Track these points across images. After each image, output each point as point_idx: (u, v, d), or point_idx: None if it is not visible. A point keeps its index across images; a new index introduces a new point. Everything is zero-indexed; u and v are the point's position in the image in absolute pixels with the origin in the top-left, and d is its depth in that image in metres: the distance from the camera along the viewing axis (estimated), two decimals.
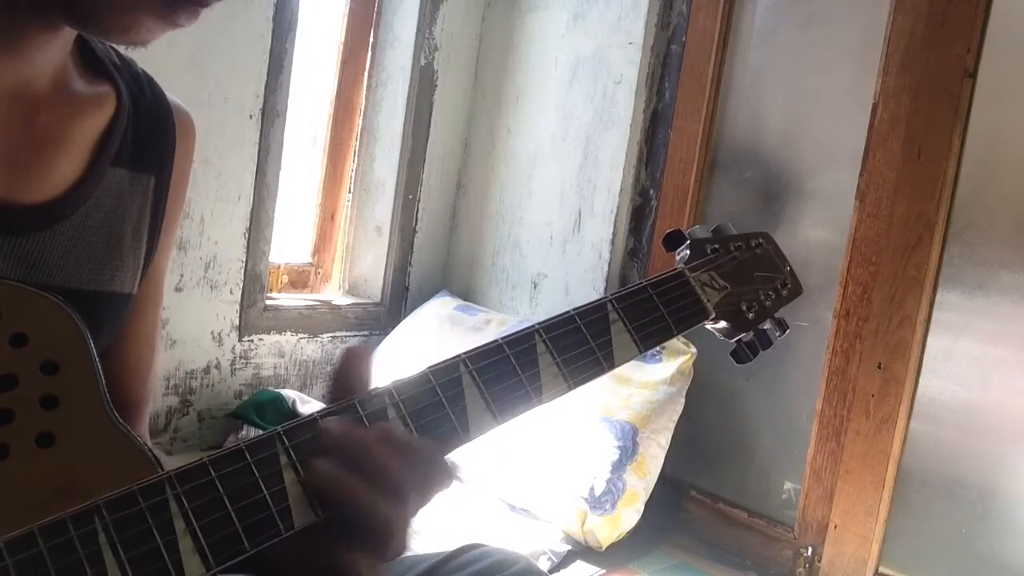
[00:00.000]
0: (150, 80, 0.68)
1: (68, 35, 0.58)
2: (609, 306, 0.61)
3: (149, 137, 0.66)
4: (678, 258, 0.71)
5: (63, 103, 0.59)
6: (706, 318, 0.67)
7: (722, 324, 0.70)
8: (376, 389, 0.52)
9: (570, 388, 0.58)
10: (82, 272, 0.60)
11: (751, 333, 0.71)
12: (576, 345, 0.59)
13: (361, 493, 0.46)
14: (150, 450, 0.50)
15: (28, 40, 0.55)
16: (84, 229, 0.60)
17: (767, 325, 0.71)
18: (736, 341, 0.71)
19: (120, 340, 0.67)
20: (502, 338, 0.57)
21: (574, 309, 0.60)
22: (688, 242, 0.71)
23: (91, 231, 0.61)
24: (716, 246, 0.71)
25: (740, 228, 0.75)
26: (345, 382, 0.51)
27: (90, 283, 0.61)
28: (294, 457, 0.47)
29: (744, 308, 0.70)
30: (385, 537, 0.46)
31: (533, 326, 0.58)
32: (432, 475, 0.49)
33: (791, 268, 0.75)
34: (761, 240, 0.74)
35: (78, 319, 0.50)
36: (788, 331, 0.73)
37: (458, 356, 0.55)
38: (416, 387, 0.53)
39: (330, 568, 0.47)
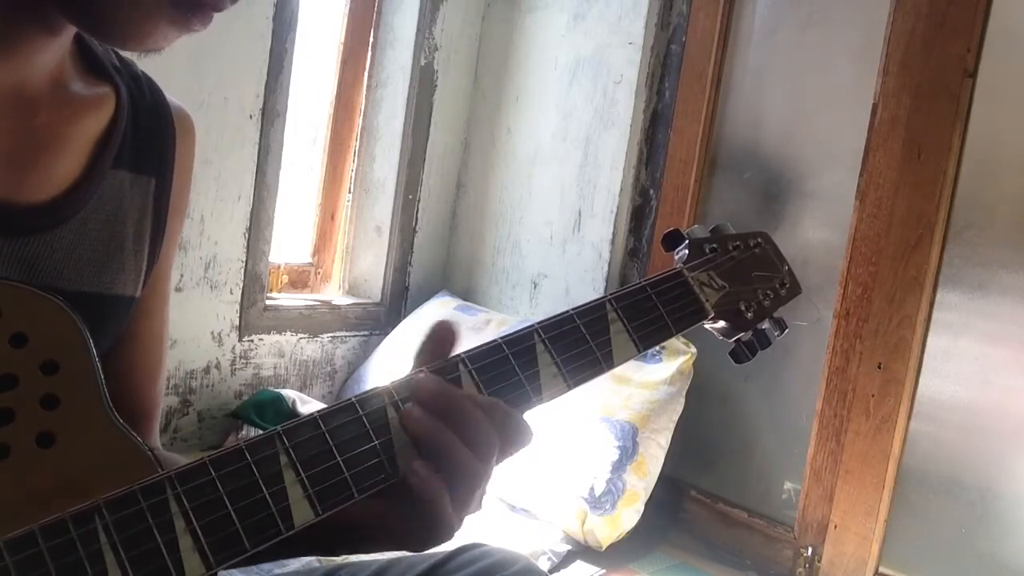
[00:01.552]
0: (150, 82, 0.68)
1: (67, 37, 0.58)
2: (608, 306, 0.61)
3: (149, 139, 0.66)
4: (676, 258, 0.71)
5: (62, 104, 0.59)
6: (705, 318, 0.67)
7: (721, 324, 0.70)
8: (374, 389, 0.52)
9: (570, 388, 0.58)
10: (82, 275, 0.60)
11: (750, 333, 0.71)
12: (575, 345, 0.59)
13: (456, 449, 0.50)
14: (150, 450, 0.50)
15: (26, 42, 0.55)
16: (85, 231, 0.60)
17: (766, 325, 0.71)
18: (735, 341, 0.71)
19: (127, 343, 0.67)
20: (501, 338, 0.57)
21: (573, 309, 0.60)
22: (686, 242, 0.71)
23: (92, 233, 0.61)
24: (714, 246, 0.71)
25: (740, 228, 0.75)
26: (434, 349, 0.54)
27: (91, 285, 0.61)
28: (294, 457, 0.48)
29: (743, 308, 0.70)
30: (474, 491, 0.51)
31: (532, 326, 0.58)
32: (514, 434, 0.53)
33: (789, 267, 0.75)
34: (759, 240, 0.74)
35: (78, 319, 0.50)
36: (787, 331, 0.73)
37: (457, 356, 0.55)
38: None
39: (422, 522, 0.50)
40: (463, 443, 0.50)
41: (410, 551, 0.53)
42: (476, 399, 0.52)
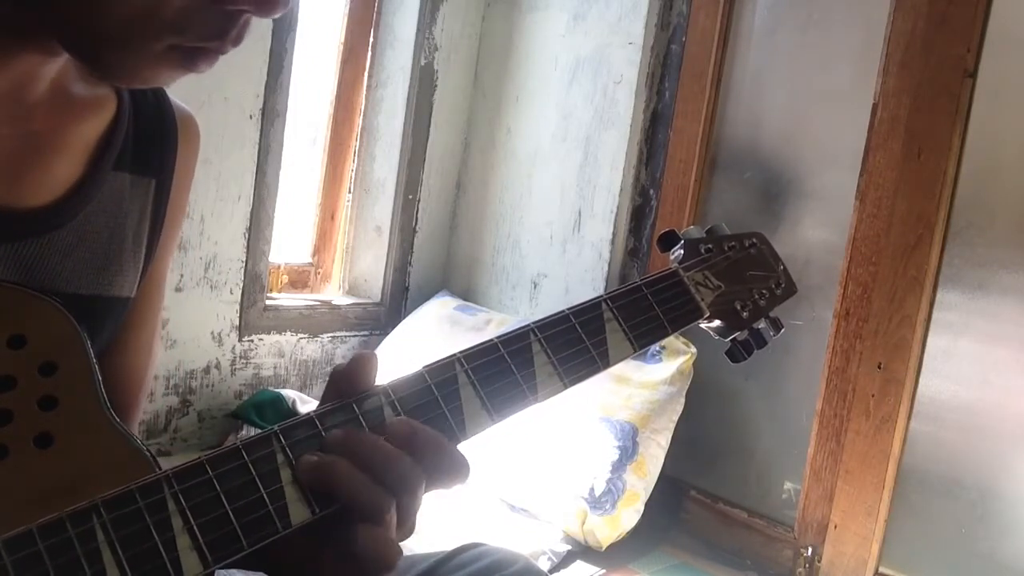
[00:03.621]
0: None
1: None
2: (604, 305, 0.62)
3: (150, 139, 0.65)
4: (672, 258, 0.71)
5: (61, 107, 0.59)
6: (700, 317, 0.68)
7: (717, 323, 0.70)
8: (370, 389, 0.52)
9: (566, 387, 0.58)
10: (81, 277, 0.60)
11: (746, 332, 0.71)
12: (571, 344, 0.59)
13: (362, 485, 0.47)
14: (148, 450, 0.50)
15: (25, 60, 0.54)
16: (84, 234, 0.60)
17: (762, 324, 0.72)
18: (731, 340, 0.72)
19: (116, 345, 0.67)
20: (497, 337, 0.57)
21: (569, 308, 0.60)
22: (682, 242, 0.71)
23: (91, 236, 0.60)
24: (710, 246, 0.72)
25: (740, 228, 0.76)
26: (347, 384, 0.51)
27: (89, 287, 0.61)
28: (291, 455, 0.48)
29: (738, 307, 0.70)
30: (389, 524, 0.47)
31: (528, 325, 0.58)
32: (445, 466, 0.50)
33: (785, 267, 0.76)
34: (755, 240, 0.75)
35: (75, 321, 0.50)
36: (783, 330, 0.73)
37: (453, 355, 0.55)
38: (412, 386, 0.53)
39: (345, 557, 0.48)
40: (375, 480, 0.47)
41: None
42: (393, 431, 0.49)
